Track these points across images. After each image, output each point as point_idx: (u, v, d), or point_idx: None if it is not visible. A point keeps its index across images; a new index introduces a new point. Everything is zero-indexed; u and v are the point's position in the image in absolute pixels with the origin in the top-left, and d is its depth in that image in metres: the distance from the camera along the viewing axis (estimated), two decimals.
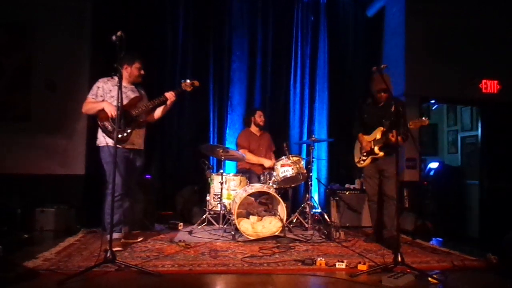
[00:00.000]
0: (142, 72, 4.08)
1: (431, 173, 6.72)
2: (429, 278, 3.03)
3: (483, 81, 5.99)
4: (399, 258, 3.10)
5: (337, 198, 5.48)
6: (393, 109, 4.00)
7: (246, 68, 6.35)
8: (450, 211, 6.34)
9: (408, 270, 3.09)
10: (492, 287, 3.18)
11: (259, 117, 5.63)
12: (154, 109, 4.18)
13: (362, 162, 4.35)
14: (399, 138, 3.67)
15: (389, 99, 4.14)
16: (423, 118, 3.81)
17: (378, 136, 4.15)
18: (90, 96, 3.92)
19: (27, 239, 4.27)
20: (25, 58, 5.35)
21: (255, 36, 6.38)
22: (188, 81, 4.16)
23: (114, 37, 3.11)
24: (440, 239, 4.94)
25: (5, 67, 5.30)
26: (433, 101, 6.50)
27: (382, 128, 4.12)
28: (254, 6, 6.39)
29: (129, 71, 4.00)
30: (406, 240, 4.64)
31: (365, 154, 4.30)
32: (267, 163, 5.41)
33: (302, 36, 6.54)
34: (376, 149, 4.16)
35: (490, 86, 5.99)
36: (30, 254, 3.45)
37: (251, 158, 5.45)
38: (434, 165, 6.84)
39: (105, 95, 3.90)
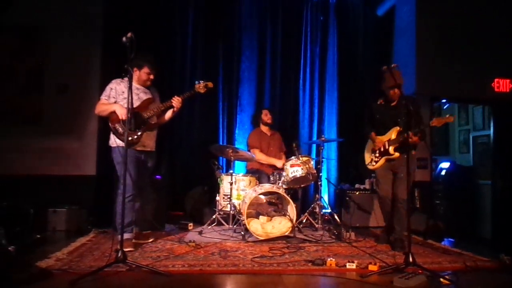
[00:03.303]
0: (151, 77, 4.05)
1: (443, 173, 6.65)
2: (441, 279, 3.01)
3: (495, 80, 5.91)
4: (411, 259, 3.08)
5: (347, 198, 5.46)
6: (406, 108, 3.94)
7: (256, 68, 6.36)
8: (462, 211, 6.27)
9: (420, 271, 3.07)
10: None
11: (265, 116, 5.62)
12: (165, 111, 4.19)
13: (374, 163, 4.23)
14: (416, 137, 3.71)
15: (402, 98, 4.04)
16: (447, 115, 3.68)
17: (394, 136, 4.03)
18: (103, 98, 3.94)
19: (40, 239, 4.33)
20: (37, 61, 5.40)
21: (264, 36, 6.40)
22: (201, 82, 4.11)
23: (124, 39, 3.12)
24: (452, 239, 4.89)
25: (18, 71, 5.36)
26: (444, 100, 6.44)
27: (398, 128, 4.02)
28: (263, 6, 6.41)
29: (138, 75, 4.00)
30: (417, 240, 4.60)
31: (378, 155, 4.19)
32: (278, 163, 5.37)
33: (311, 36, 6.54)
34: (391, 149, 4.05)
35: (502, 85, 5.92)
36: (43, 254, 3.48)
37: (262, 157, 5.44)
38: (445, 165, 6.77)
39: (118, 97, 3.92)
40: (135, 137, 3.84)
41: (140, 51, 3.30)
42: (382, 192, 4.25)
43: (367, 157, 4.36)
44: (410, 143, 3.74)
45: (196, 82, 4.15)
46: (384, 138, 4.14)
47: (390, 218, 4.25)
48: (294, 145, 5.05)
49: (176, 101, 4.02)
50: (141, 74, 4.01)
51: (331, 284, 3.04)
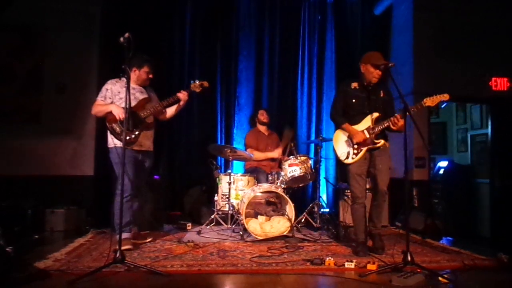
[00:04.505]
0: (151, 76, 4.10)
1: (441, 172, 6.66)
2: (439, 278, 3.01)
3: (493, 78, 5.92)
4: (409, 258, 3.08)
5: (346, 197, 5.45)
6: (382, 94, 3.82)
7: (253, 68, 6.35)
8: (460, 210, 6.28)
9: (418, 270, 3.07)
10: (503, 286, 3.14)
11: (261, 115, 5.65)
12: (165, 108, 4.19)
13: (354, 156, 3.79)
14: (402, 120, 3.40)
15: (377, 83, 3.79)
16: (442, 94, 3.47)
17: (371, 124, 3.74)
18: (99, 99, 3.94)
19: (38, 239, 4.33)
20: (36, 61, 5.40)
21: (262, 35, 6.39)
22: (197, 81, 4.18)
23: (121, 39, 3.13)
24: (451, 238, 4.90)
25: (17, 71, 5.36)
26: None
27: (377, 114, 3.75)
28: (261, 6, 6.40)
29: (137, 74, 4.03)
30: (416, 239, 4.61)
31: (356, 146, 3.78)
32: (274, 154, 5.45)
33: (309, 35, 6.53)
34: (373, 137, 3.75)
35: (500, 83, 5.92)
36: (41, 255, 3.49)
37: (259, 155, 5.45)
38: (443, 164, 6.77)
39: (114, 97, 3.92)
40: (133, 136, 3.85)
41: (138, 51, 3.30)
42: (358, 191, 3.83)
43: (342, 151, 3.90)
44: (397, 127, 3.53)
45: (192, 81, 4.19)
46: (361, 127, 3.80)
47: (366, 224, 3.90)
48: (292, 144, 5.06)
49: (183, 95, 4.09)
50: (141, 73, 4.04)
51: (329, 284, 3.04)
